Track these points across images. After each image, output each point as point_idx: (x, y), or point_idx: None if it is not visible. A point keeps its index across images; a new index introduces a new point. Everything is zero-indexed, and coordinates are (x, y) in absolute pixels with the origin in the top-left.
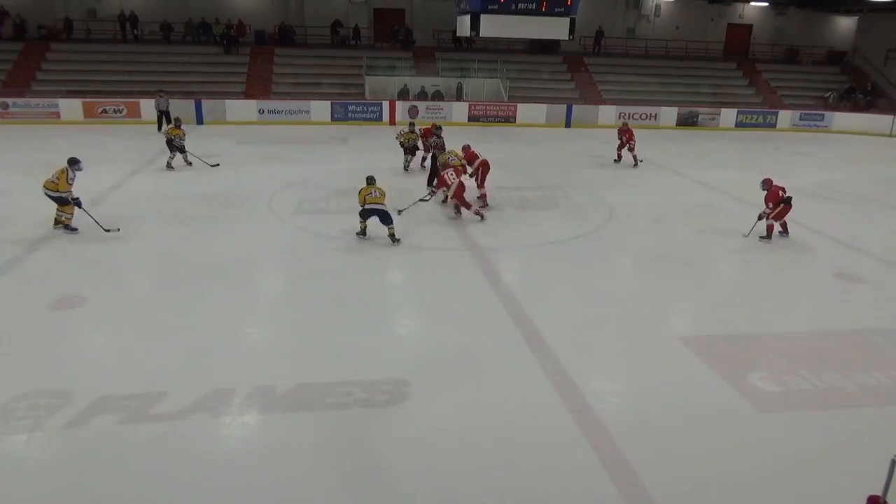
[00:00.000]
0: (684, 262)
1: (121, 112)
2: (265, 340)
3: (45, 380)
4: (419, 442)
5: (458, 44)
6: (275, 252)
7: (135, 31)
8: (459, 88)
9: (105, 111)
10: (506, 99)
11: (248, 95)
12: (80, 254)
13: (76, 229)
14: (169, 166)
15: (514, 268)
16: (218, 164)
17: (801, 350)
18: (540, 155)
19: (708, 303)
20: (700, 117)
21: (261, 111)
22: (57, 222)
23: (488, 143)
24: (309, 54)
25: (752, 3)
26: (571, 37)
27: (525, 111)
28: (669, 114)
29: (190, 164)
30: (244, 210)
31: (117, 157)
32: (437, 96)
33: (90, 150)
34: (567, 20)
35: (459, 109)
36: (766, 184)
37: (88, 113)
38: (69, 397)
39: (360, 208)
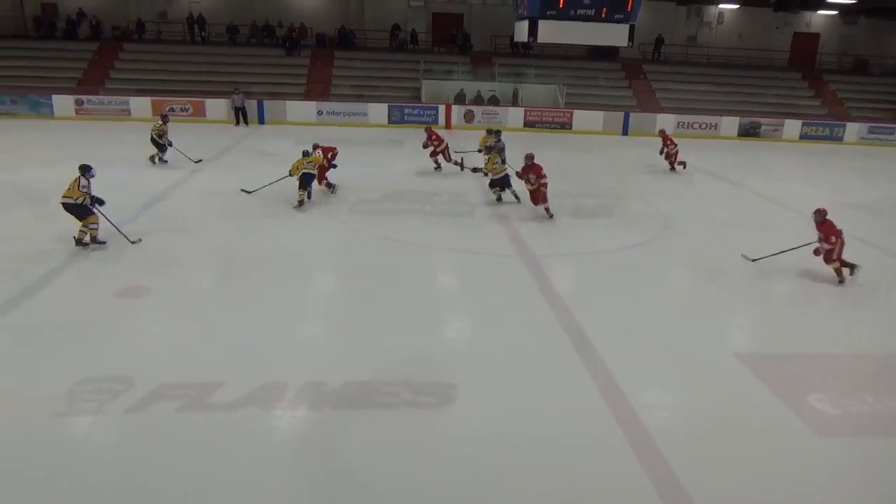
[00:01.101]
0: (742, 276)
1: (187, 111)
2: (317, 337)
3: (109, 365)
4: (464, 446)
5: (516, 49)
6: (329, 250)
7: (202, 33)
8: (515, 94)
9: (172, 109)
10: (562, 105)
11: (307, 96)
12: (144, 245)
13: (104, 242)
14: (162, 160)
15: (567, 275)
16: (200, 160)
17: (863, 373)
18: (596, 162)
19: (766, 319)
20: (762, 128)
21: (319, 112)
22: (78, 241)
23: (544, 149)
24: (368, 57)
25: (820, 12)
26: (631, 43)
27: (581, 118)
28: (730, 124)
29: (165, 161)
30: (301, 209)
31: (182, 154)
32: (493, 101)
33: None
34: (626, 27)
35: (515, 115)
36: (821, 214)
37: (156, 111)
38: (131, 383)
39: (297, 179)
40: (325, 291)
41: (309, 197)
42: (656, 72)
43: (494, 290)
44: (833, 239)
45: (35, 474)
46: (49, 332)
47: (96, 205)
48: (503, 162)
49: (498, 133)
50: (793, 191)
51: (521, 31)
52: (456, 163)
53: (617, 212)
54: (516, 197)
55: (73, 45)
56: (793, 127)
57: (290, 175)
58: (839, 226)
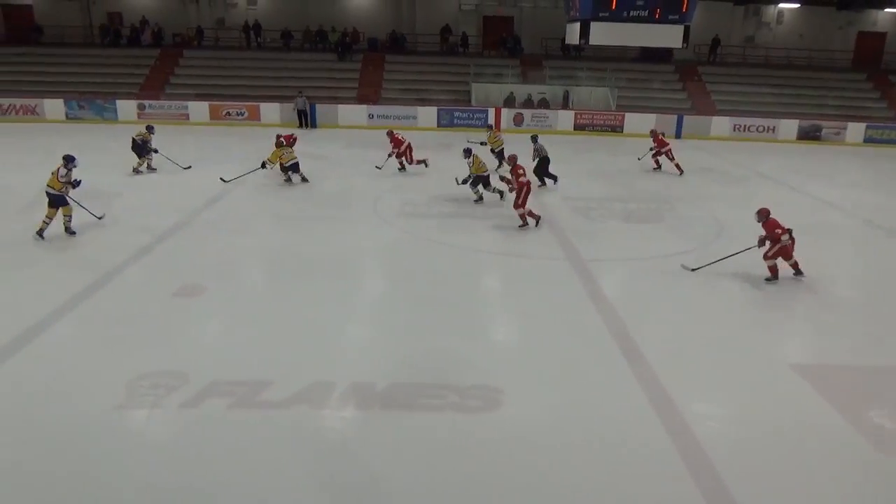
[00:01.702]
0: (799, 285)
1: (242, 115)
2: (365, 338)
3: (166, 361)
4: (509, 451)
5: (567, 52)
6: (378, 253)
7: (258, 39)
8: (566, 97)
9: (228, 114)
10: (613, 108)
11: (359, 100)
12: (202, 245)
13: (75, 233)
14: (143, 169)
15: (616, 281)
16: (190, 167)
17: None
18: (647, 166)
19: (825, 329)
20: (823, 131)
21: (370, 116)
22: (67, 229)
23: (593, 152)
24: (418, 61)
25: (887, 10)
26: (685, 45)
27: (633, 121)
28: (789, 127)
29: (154, 169)
30: (351, 211)
31: (238, 156)
32: (543, 104)
33: (214, 149)
34: (681, 28)
35: (565, 118)
36: (762, 215)
37: (214, 115)
38: (186, 379)
39: (279, 166)
40: (374, 293)
41: (305, 179)
42: (712, 73)
43: (542, 294)
44: (779, 232)
45: (92, 464)
46: (111, 326)
47: (74, 188)
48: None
49: (535, 138)
50: (855, 196)
51: (573, 33)
52: (419, 161)
53: (668, 217)
54: (500, 192)
55: (136, 52)
56: (856, 130)
57: (270, 163)
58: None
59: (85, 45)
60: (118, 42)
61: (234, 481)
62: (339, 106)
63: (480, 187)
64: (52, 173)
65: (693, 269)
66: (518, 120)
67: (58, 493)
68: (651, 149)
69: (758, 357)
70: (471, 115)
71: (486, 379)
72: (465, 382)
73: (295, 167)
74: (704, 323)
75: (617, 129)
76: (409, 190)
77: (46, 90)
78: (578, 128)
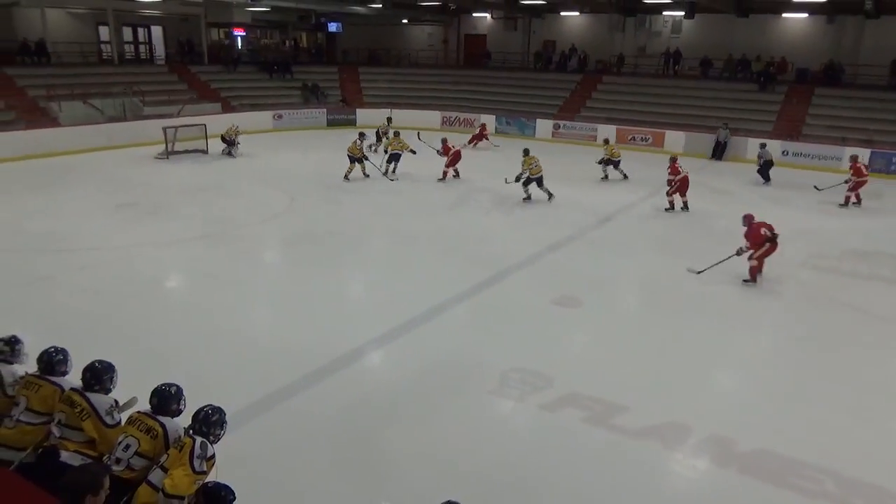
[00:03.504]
0: None
1: (646, 141)
2: (737, 390)
3: (536, 362)
4: None
5: None
6: (773, 304)
7: (675, 67)
8: None
9: (633, 139)
10: None
11: (773, 135)
12: (585, 260)
13: (368, 175)
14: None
15: None
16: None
17: None
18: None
19: None
20: None
21: (784, 153)
22: (346, 177)
23: None
24: (856, 95)
25: None
26: None
27: None
28: None
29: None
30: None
31: (636, 181)
32: None
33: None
34: None
35: None
36: (746, 220)
37: (620, 139)
38: (550, 382)
39: (526, 177)
40: (759, 346)
41: (456, 174)
42: None
43: None
44: (748, 244)
45: (462, 441)
46: (496, 318)
47: (365, 158)
48: None
49: (763, 145)
50: None
51: None
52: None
53: None
54: (549, 193)
55: (561, 77)
56: None
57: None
58: None
59: (521, 70)
60: (548, 67)
61: (572, 494)
62: (750, 140)
63: (533, 186)
64: (353, 143)
65: (698, 272)
66: None
67: (424, 454)
68: (846, 180)
69: None
70: None
71: (880, 479)
72: (850, 473)
73: (539, 182)
74: None
75: None
76: (816, 239)
77: (484, 107)
78: None
